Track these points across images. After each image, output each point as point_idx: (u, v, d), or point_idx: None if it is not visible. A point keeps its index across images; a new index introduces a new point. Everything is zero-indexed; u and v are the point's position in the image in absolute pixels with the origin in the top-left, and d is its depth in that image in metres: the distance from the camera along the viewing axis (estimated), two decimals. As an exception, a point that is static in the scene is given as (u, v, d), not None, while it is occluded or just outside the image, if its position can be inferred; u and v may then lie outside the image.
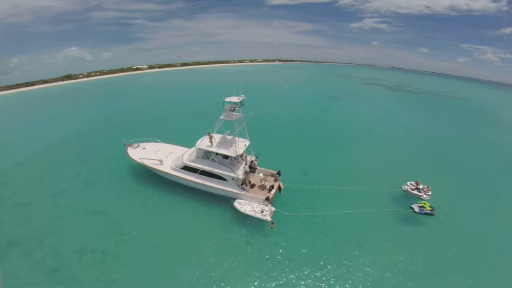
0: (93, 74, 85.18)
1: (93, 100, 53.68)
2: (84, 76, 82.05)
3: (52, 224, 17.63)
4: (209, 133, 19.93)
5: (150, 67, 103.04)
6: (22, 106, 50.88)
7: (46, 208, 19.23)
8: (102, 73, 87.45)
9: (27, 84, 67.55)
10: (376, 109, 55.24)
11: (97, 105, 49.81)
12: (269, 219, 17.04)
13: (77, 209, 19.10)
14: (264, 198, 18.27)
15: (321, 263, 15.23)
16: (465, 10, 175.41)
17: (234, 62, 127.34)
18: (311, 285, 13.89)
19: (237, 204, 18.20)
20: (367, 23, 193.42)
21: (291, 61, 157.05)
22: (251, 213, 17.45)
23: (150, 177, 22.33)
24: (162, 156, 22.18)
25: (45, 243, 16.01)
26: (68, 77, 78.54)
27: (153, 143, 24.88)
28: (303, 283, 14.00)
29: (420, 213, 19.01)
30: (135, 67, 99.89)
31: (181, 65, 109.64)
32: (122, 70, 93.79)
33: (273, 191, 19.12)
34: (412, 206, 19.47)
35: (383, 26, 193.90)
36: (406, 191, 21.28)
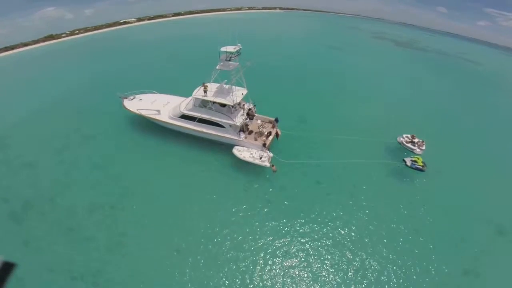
0: (76, 32, 78.74)
1: (82, 58, 50.55)
2: (67, 35, 75.95)
3: (60, 181, 18.07)
4: (203, 84, 19.36)
5: (139, 19, 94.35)
6: (6, 71, 48.21)
7: (51, 165, 19.56)
8: (86, 30, 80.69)
9: (6, 49, 63.13)
10: (380, 63, 51.97)
11: (86, 62, 47.06)
12: (268, 165, 17.68)
13: (81, 164, 19.52)
14: (261, 144, 18.69)
15: (314, 210, 16.16)
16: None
17: (230, 10, 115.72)
18: (303, 231, 14.93)
19: (236, 151, 18.70)
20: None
21: (293, 9, 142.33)
22: (250, 160, 18.04)
23: (148, 127, 22.50)
24: (159, 106, 21.98)
25: (57, 202, 16.44)
26: (50, 37, 72.79)
27: (149, 94, 24.40)
28: (296, 229, 15.03)
29: (411, 167, 19.11)
30: (122, 21, 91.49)
31: (172, 15, 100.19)
32: (109, 25, 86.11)
33: (270, 137, 19.43)
34: (405, 159, 19.60)
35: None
36: (400, 143, 21.37)
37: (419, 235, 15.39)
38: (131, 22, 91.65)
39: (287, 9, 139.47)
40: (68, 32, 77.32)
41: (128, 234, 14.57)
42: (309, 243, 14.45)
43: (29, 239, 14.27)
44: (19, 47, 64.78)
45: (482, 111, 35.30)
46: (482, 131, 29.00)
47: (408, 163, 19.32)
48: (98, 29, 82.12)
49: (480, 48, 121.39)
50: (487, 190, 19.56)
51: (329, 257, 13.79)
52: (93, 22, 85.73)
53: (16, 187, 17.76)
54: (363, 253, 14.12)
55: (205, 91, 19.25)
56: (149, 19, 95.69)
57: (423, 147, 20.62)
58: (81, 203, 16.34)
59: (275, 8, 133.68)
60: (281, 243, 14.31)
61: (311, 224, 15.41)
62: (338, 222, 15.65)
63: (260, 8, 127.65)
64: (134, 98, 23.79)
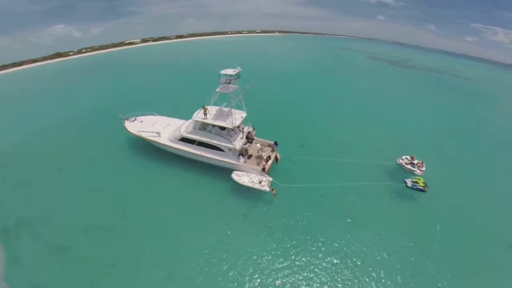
0: (83, 50, 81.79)
1: (87, 78, 51.88)
2: (75, 53, 78.81)
3: (57, 202, 17.85)
4: (203, 107, 19.66)
5: (144, 40, 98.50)
6: (12, 88, 49.27)
7: (49, 186, 19.40)
8: (93, 49, 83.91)
9: (14, 65, 64.91)
10: (376, 84, 53.71)
11: (90, 82, 48.26)
12: (267, 189, 17.47)
13: (79, 186, 19.31)
14: (261, 168, 18.59)
15: (315, 234, 15.81)
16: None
17: (231, 34, 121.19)
18: (304, 256, 14.52)
19: (235, 176, 18.51)
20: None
21: (291, 32, 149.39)
22: (249, 184, 17.84)
23: (149, 149, 22.51)
24: (160, 128, 22.14)
25: (52, 222, 16.28)
26: (58, 55, 75.44)
27: (150, 116, 24.70)
28: (297, 254, 14.61)
29: (412, 188, 19.00)
30: (127, 41, 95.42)
31: (176, 38, 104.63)
32: (114, 45, 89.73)
33: (269, 162, 19.37)
34: (406, 180, 19.53)
35: (390, 0, 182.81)
36: (400, 165, 21.38)
37: (427, 256, 14.99)
38: (136, 43, 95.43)
39: (285, 32, 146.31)
40: (75, 51, 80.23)
41: (125, 257, 14.18)
42: (311, 267, 13.98)
43: (20, 257, 14.05)
44: (28, 63, 66.54)
45: (479, 128, 35.93)
46: (480, 148, 29.26)
47: (409, 184, 19.19)
48: (104, 49, 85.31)
49: (471, 63, 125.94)
50: (493, 207, 19.33)
51: (332, 284, 13.22)
52: (100, 41, 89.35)
53: (11, 205, 17.61)
54: (372, 276, 13.60)
55: (205, 114, 19.49)
56: (154, 40, 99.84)
57: (423, 168, 20.61)
58: (77, 224, 16.14)
59: (274, 32, 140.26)
60: (281, 269, 13.83)
61: (312, 248, 14.98)
62: (341, 246, 15.21)
63: (260, 31, 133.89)
64: (135, 119, 24.05)
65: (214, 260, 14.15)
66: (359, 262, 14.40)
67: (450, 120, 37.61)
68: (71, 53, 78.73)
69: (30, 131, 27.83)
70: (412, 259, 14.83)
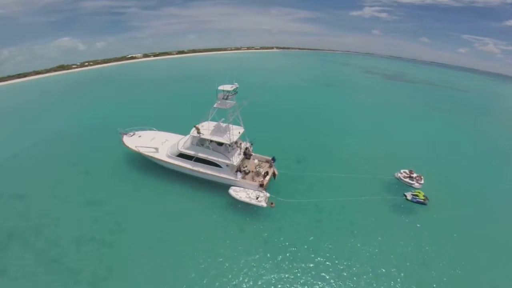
0: (86, 64, 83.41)
1: (88, 91, 52.72)
2: (78, 66, 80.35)
3: (50, 215, 17.74)
4: (195, 126, 19.73)
5: (145, 55, 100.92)
6: (14, 98, 49.94)
7: (43, 199, 19.30)
8: (95, 62, 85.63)
9: (19, 76, 66.00)
10: (372, 98, 54.94)
11: (91, 96, 48.99)
12: (265, 205, 17.35)
13: (74, 199, 19.19)
14: (258, 184, 18.53)
15: (314, 249, 15.57)
16: (468, 1, 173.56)
17: (231, 50, 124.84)
18: (303, 272, 14.21)
19: (232, 191, 18.44)
20: (368, 11, 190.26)
21: (289, 48, 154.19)
22: (247, 200, 17.74)
23: (146, 165, 22.45)
24: (158, 144, 22.21)
25: (44, 234, 16.17)
26: (61, 67, 76.87)
27: (148, 131, 24.84)
28: (295, 270, 14.32)
29: (412, 201, 19.13)
30: (129, 56, 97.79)
31: (176, 53, 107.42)
32: (116, 59, 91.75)
33: (267, 177, 19.35)
34: (406, 193, 19.65)
35: (383, 15, 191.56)
36: (399, 179, 21.50)
37: (431, 269, 14.82)
38: (138, 58, 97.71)
39: (283, 48, 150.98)
40: (78, 64, 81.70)
41: (116, 270, 13.95)
42: (310, 283, 13.68)
43: (7, 268, 13.94)
44: (31, 75, 67.52)
45: (476, 139, 36.40)
46: (478, 159, 29.47)
47: (409, 197, 19.26)
48: (106, 63, 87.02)
49: (463, 74, 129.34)
50: (495, 216, 19.44)
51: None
52: (103, 55, 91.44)
53: (3, 216, 17.54)
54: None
55: (198, 133, 19.51)
56: (155, 55, 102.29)
57: (422, 181, 20.70)
58: (69, 236, 16.00)
59: (272, 48, 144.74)
60: (280, 284, 13.49)
61: (311, 264, 14.65)
62: (342, 261, 14.93)
63: (258, 48, 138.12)
64: (133, 134, 24.19)
65: (210, 275, 13.83)
66: (361, 276, 14.13)
67: (447, 132, 38.23)
68: (74, 66, 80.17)
69: (28, 143, 27.81)
70: (415, 271, 14.69)
